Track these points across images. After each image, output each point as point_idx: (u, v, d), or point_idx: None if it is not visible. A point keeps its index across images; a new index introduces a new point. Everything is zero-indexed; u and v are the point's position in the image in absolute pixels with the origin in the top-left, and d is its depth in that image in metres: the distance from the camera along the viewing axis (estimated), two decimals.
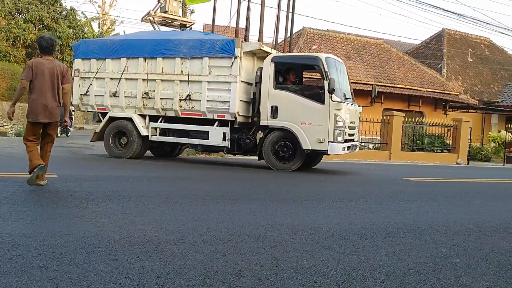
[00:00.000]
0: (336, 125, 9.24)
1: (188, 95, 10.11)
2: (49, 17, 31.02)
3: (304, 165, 10.03)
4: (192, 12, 20.33)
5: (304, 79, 11.76)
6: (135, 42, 10.88)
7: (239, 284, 2.73)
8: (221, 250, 3.39)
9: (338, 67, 9.99)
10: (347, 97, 9.95)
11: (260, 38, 12.18)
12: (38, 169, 5.62)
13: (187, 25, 19.45)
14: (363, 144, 16.97)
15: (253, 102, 10.10)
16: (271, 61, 9.76)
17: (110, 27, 40.75)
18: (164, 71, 10.37)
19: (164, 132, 10.65)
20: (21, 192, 5.41)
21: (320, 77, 9.56)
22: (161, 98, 10.40)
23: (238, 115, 9.80)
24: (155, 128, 10.60)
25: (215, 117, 10.02)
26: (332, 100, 9.20)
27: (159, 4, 18.72)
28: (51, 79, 5.86)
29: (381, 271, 3.12)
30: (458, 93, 23.82)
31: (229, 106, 9.75)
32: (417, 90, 22.29)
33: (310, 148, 9.40)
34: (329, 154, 9.81)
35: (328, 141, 9.22)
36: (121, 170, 8.68)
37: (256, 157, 10.14)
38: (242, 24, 12.79)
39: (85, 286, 2.58)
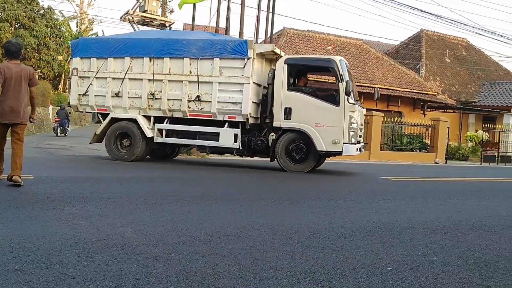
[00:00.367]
0: (351, 126, 9.39)
1: (198, 96, 9.95)
2: (26, 16, 30.51)
3: None
4: (171, 11, 20.17)
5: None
6: (140, 41, 10.60)
7: (218, 285, 2.72)
8: (200, 251, 3.37)
9: (349, 69, 10.14)
10: (356, 99, 10.10)
11: (240, 38, 12.19)
12: None
13: (167, 25, 19.29)
14: None
15: (262, 104, 10.11)
16: (284, 63, 9.79)
17: (89, 26, 40.26)
18: (172, 72, 10.18)
19: (168, 133, 10.39)
20: None
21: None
22: (168, 99, 10.21)
23: (250, 116, 9.77)
24: (161, 130, 10.35)
25: (225, 118, 9.91)
26: (348, 102, 9.35)
27: (138, 3, 18.52)
28: (19, 82, 6.03)
29: (360, 270, 3.14)
30: (436, 93, 24.20)
31: (241, 108, 9.67)
32: (396, 90, 22.55)
33: (325, 150, 9.49)
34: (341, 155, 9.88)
35: (343, 143, 9.36)
36: (99, 172, 8.59)
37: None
38: (222, 24, 12.79)
39: None
